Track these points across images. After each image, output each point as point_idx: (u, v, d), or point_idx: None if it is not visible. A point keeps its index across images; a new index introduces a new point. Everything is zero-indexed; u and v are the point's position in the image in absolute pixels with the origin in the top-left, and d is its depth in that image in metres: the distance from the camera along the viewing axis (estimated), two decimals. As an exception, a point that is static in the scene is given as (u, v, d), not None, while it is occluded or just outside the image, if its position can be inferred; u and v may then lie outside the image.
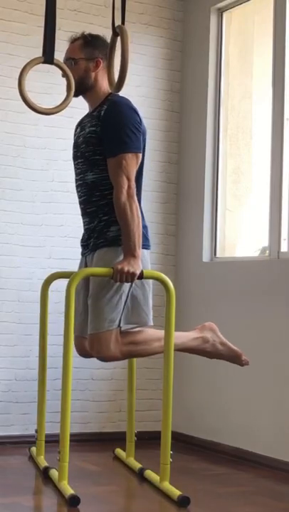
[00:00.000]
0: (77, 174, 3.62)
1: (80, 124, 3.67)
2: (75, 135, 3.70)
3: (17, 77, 3.31)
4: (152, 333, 3.54)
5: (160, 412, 3.51)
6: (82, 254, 3.64)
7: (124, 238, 3.39)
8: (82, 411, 4.66)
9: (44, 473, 3.66)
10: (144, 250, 3.50)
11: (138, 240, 3.37)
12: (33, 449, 4.02)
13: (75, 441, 4.08)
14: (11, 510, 3.13)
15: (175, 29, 5.10)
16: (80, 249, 3.66)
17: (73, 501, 3.18)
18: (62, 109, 3.43)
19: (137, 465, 3.84)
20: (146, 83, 4.98)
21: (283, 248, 4.31)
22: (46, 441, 3.91)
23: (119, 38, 3.49)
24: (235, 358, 3.73)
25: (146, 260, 3.51)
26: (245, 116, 4.85)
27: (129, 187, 3.39)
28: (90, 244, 3.55)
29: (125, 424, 4.05)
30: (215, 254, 4.84)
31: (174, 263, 5.02)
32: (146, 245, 3.52)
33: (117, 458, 4.12)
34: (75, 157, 3.64)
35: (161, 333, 3.53)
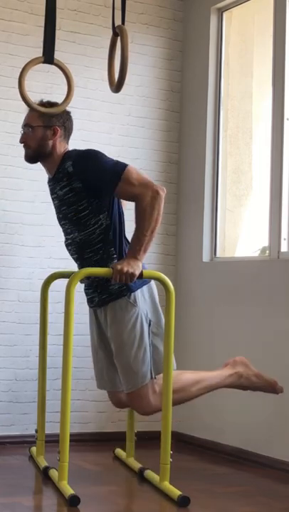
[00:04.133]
0: (66, 234, 3.63)
1: (50, 188, 3.65)
2: (50, 196, 3.68)
3: (17, 77, 3.32)
4: (187, 378, 3.57)
5: (160, 412, 3.51)
6: (90, 306, 3.67)
7: (133, 237, 3.39)
8: (82, 411, 4.66)
9: (44, 473, 3.66)
10: (144, 287, 3.53)
11: (147, 245, 3.38)
12: (33, 449, 4.02)
13: (75, 441, 4.09)
14: (11, 510, 3.13)
15: (175, 29, 5.09)
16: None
17: (73, 501, 3.18)
18: (62, 109, 3.44)
19: (137, 465, 3.84)
20: (147, 83, 4.98)
21: (283, 248, 4.31)
22: (46, 441, 3.91)
23: (119, 38, 3.50)
24: (269, 388, 3.76)
25: (151, 294, 3.55)
26: (245, 116, 4.85)
27: (153, 191, 3.36)
28: (94, 298, 3.57)
29: (125, 424, 4.05)
30: (215, 254, 4.84)
31: (174, 263, 5.02)
32: (144, 282, 3.54)
33: (117, 458, 4.12)
34: (59, 219, 3.64)
35: (196, 376, 3.60)
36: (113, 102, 4.72)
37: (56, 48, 3.38)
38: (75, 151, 3.56)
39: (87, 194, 3.45)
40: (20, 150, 4.57)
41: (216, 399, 4.56)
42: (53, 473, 3.54)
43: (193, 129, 4.98)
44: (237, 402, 4.42)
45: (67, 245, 3.65)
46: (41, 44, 3.32)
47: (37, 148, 3.56)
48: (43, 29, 3.30)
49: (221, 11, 4.92)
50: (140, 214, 3.37)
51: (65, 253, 4.56)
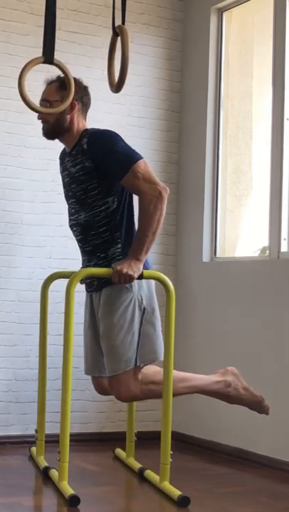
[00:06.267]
0: (71, 214, 3.61)
1: (62, 165, 3.64)
2: (61, 173, 3.67)
3: (17, 77, 3.32)
4: (174, 374, 3.51)
5: (160, 412, 3.52)
6: (87, 291, 3.63)
7: (135, 238, 3.38)
8: (82, 411, 4.66)
9: (44, 473, 3.66)
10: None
11: (149, 246, 3.36)
12: (33, 449, 4.02)
13: (75, 441, 4.09)
14: (11, 510, 3.13)
15: (175, 29, 5.09)
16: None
17: (73, 501, 3.18)
18: (62, 109, 3.44)
19: (137, 465, 3.84)
20: (147, 83, 4.98)
21: (283, 248, 4.31)
22: (46, 441, 3.91)
23: (119, 38, 3.50)
24: (256, 404, 3.71)
25: (148, 282, 3.50)
26: (245, 116, 4.85)
27: (155, 190, 3.35)
28: (93, 282, 3.53)
29: (125, 424, 4.05)
30: (215, 254, 4.84)
31: (174, 263, 5.02)
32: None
33: (117, 458, 4.12)
34: (67, 197, 3.63)
35: (184, 374, 3.57)
36: (113, 102, 4.72)
37: (56, 48, 3.38)
38: (93, 129, 3.55)
39: (98, 175, 3.43)
40: (20, 150, 4.59)
41: (216, 399, 4.56)
42: (53, 473, 3.54)
43: (193, 129, 4.98)
44: (237, 402, 4.41)
45: (71, 226, 3.63)
46: (41, 44, 3.32)
47: (55, 122, 3.53)
48: (42, 29, 3.31)
49: (221, 11, 4.92)
50: (143, 214, 3.36)
51: (65, 253, 4.58)
